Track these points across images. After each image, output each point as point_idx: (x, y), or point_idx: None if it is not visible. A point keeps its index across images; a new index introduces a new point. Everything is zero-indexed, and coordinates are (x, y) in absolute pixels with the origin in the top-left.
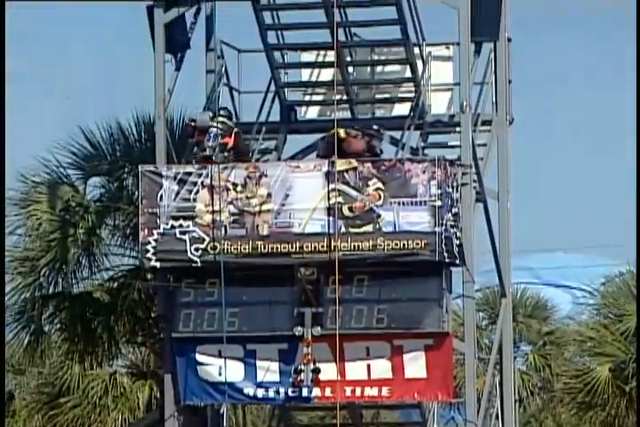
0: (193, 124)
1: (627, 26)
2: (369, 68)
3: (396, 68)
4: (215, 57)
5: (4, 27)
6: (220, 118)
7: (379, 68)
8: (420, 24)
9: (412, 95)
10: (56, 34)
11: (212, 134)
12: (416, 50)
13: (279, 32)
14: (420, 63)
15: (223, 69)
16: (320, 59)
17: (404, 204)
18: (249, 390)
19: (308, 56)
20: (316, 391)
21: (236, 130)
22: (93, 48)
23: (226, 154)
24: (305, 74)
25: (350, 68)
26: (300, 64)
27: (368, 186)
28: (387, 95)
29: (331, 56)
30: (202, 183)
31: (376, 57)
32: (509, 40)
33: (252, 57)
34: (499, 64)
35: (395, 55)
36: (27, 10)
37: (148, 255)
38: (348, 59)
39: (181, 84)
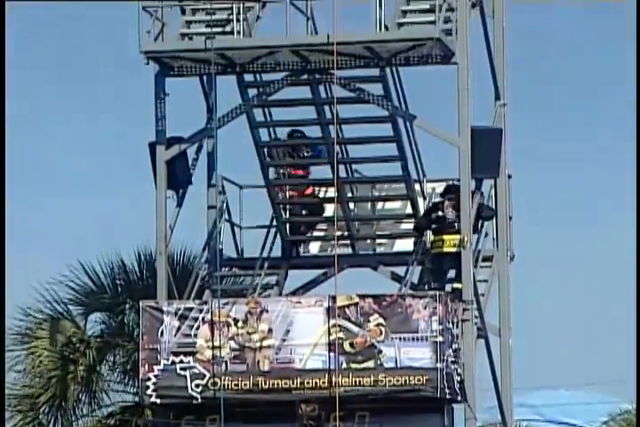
0: None
1: (627, 160)
2: (370, 204)
3: (397, 204)
4: (216, 193)
5: (4, 27)
6: None
7: (380, 204)
8: (420, 160)
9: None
10: (59, 170)
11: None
12: (417, 186)
13: (280, 168)
14: (420, 199)
15: (224, 205)
16: (321, 195)
17: (405, 339)
18: None
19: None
20: None
21: None
22: (94, 184)
23: None
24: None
25: (351, 204)
26: (300, 200)
27: (369, 321)
28: (388, 231)
29: (331, 192)
30: (202, 319)
31: (377, 193)
32: (510, 177)
33: (254, 193)
34: (499, 201)
35: (396, 191)
36: (28, 142)
37: (149, 392)
38: (349, 195)
39: (183, 220)
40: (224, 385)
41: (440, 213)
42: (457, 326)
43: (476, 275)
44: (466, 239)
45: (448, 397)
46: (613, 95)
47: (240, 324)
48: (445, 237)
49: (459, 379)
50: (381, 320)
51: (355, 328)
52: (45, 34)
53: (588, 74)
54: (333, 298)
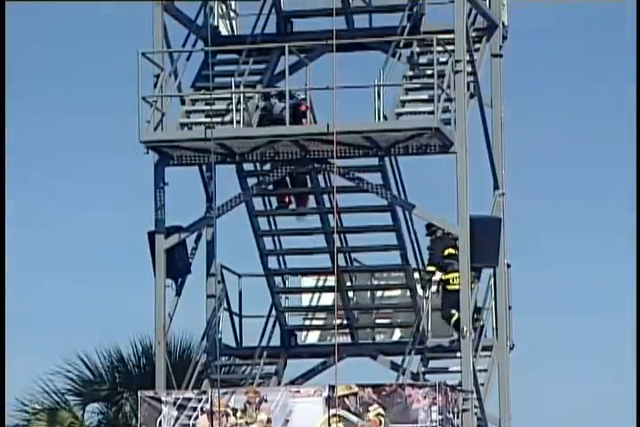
0: None
1: (626, 248)
2: (369, 293)
3: (397, 292)
4: (216, 282)
5: (3, 27)
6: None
7: (379, 293)
8: (419, 249)
9: (413, 320)
10: (56, 259)
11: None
12: (416, 275)
13: (280, 256)
14: (419, 288)
15: (223, 294)
16: (320, 283)
17: None
18: None
19: (309, 281)
20: None
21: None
22: (93, 272)
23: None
24: (305, 298)
25: (350, 293)
26: (300, 289)
27: (369, 411)
28: (387, 320)
29: (331, 281)
30: (201, 409)
31: (376, 282)
32: (509, 266)
33: (253, 281)
34: (499, 290)
35: (395, 280)
36: (28, 229)
37: None
38: (349, 283)
39: (182, 309)
40: None
41: (452, 251)
42: (457, 416)
43: (475, 364)
44: (465, 329)
45: None
46: (613, 181)
47: (239, 413)
48: (456, 274)
49: None
50: (381, 410)
51: (354, 418)
52: (45, 123)
53: (588, 163)
54: (333, 387)
